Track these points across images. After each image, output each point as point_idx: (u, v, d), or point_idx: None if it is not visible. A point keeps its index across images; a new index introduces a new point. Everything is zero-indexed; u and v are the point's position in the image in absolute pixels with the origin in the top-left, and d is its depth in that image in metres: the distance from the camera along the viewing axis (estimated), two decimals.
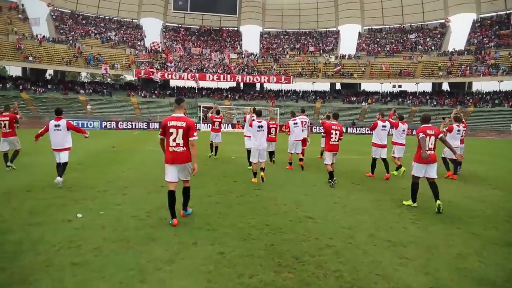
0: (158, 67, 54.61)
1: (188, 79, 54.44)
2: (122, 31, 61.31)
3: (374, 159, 10.94)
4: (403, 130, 11.15)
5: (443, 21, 60.03)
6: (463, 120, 11.87)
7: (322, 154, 13.80)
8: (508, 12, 55.84)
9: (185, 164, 5.84)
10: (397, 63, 56.50)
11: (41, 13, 55.95)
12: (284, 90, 60.11)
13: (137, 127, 41.95)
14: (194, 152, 5.81)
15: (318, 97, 57.47)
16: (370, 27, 66.41)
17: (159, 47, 58.88)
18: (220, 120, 14.94)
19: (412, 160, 7.32)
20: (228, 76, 55.17)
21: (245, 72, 56.75)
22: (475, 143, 29.26)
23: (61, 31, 55.56)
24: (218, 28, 68.74)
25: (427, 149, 7.08)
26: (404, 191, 8.44)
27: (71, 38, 54.26)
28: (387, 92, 58.40)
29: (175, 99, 5.98)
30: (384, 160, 10.78)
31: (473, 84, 54.75)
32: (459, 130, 11.26)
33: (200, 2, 63.33)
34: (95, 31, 58.54)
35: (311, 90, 60.30)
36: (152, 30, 67.39)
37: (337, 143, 9.50)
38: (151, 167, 11.89)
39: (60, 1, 58.84)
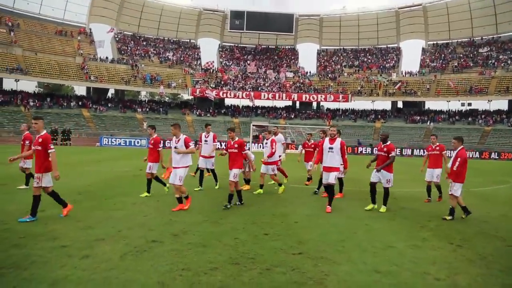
0: (213, 85, 54.64)
1: (243, 97, 53.92)
2: (180, 51, 62.53)
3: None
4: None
5: None
6: None
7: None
8: None
9: None
10: (467, 79, 51.99)
11: (108, 36, 58.96)
12: (342, 109, 57.51)
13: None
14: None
15: (378, 116, 54.21)
16: (435, 42, 62.27)
17: (213, 66, 59.28)
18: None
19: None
20: (284, 95, 53.81)
21: (301, 91, 55.15)
22: None
23: (123, 52, 57.67)
24: (274, 46, 68.05)
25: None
26: None
27: (131, 59, 56.02)
28: (455, 110, 53.81)
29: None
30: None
31: None
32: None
33: (256, 21, 63.01)
34: (154, 52, 60.15)
35: (371, 109, 57.19)
36: (209, 50, 68.33)
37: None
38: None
39: (123, 24, 61.47)
